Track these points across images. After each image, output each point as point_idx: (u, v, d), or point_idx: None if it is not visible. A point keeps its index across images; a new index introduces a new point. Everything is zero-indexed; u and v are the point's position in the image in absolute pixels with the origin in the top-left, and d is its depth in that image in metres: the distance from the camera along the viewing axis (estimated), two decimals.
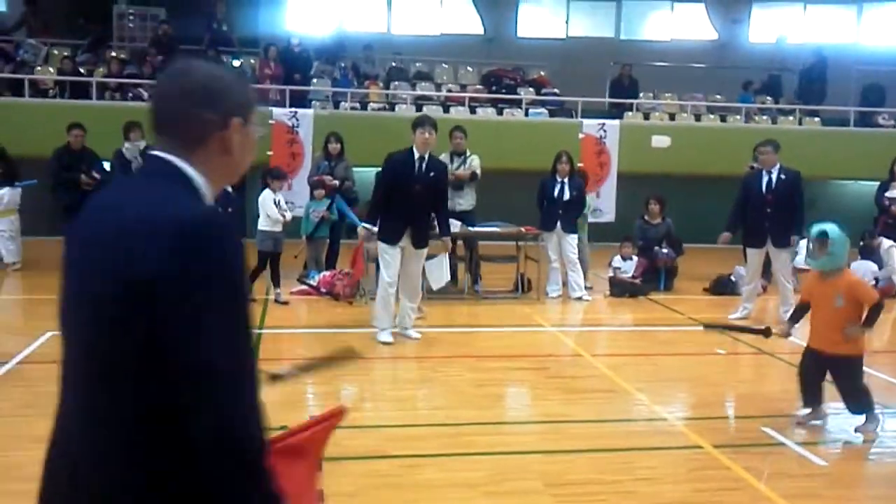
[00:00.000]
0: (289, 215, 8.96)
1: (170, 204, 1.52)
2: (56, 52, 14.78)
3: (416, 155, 7.12)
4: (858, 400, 5.20)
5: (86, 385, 1.58)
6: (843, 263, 5.21)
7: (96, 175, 10.11)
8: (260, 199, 8.86)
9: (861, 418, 5.26)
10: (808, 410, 5.38)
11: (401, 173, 7.15)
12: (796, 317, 5.59)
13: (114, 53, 14.83)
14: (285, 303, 8.90)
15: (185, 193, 1.60)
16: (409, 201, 7.10)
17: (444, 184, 7.53)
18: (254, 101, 1.76)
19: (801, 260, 9.12)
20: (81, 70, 13.93)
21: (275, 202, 8.80)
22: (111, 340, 1.48)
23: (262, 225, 8.82)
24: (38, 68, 13.90)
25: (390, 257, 7.14)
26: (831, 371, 5.27)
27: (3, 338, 7.42)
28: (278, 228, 8.83)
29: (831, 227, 5.12)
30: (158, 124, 1.68)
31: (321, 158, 10.38)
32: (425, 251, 7.41)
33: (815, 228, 5.23)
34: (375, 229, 7.28)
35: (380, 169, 7.55)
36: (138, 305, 1.43)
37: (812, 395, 5.35)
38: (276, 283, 8.96)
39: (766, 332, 5.50)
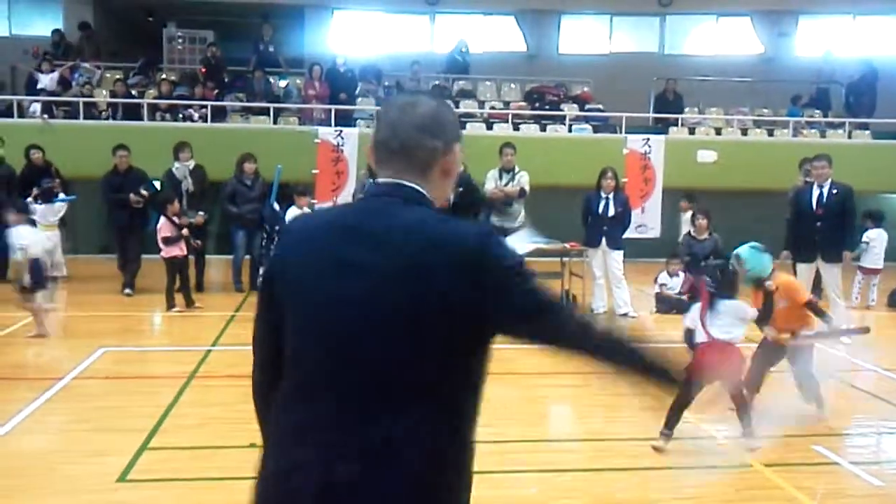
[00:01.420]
0: None
1: (459, 224, 1.78)
2: (108, 75, 15.18)
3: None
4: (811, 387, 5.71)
5: (382, 404, 1.71)
6: (768, 272, 5.60)
7: (144, 193, 10.31)
8: (287, 215, 9.03)
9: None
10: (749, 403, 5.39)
11: None
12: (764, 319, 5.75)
13: (164, 75, 15.18)
14: None
15: (440, 213, 1.83)
16: None
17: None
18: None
19: (870, 259, 10.46)
20: (133, 92, 14.29)
21: None
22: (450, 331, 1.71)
23: None
24: (93, 91, 14.28)
25: None
26: (789, 359, 5.71)
27: (57, 354, 7.59)
28: None
29: (741, 249, 5.66)
30: (393, 152, 1.83)
31: (366, 176, 10.47)
32: None
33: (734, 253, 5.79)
34: None
35: None
36: (474, 293, 1.69)
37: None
38: None
39: (866, 330, 5.83)
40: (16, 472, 4.48)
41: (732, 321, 5.11)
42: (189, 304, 9.34)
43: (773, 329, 5.65)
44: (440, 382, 1.72)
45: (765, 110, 16.32)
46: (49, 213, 10.64)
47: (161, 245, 9.32)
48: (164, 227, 9.32)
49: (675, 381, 1.87)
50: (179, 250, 9.37)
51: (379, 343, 1.69)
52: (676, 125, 15.17)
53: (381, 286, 1.69)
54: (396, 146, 1.82)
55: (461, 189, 9.98)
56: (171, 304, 9.30)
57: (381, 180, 1.85)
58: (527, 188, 9.99)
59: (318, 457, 1.70)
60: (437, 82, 16.15)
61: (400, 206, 1.79)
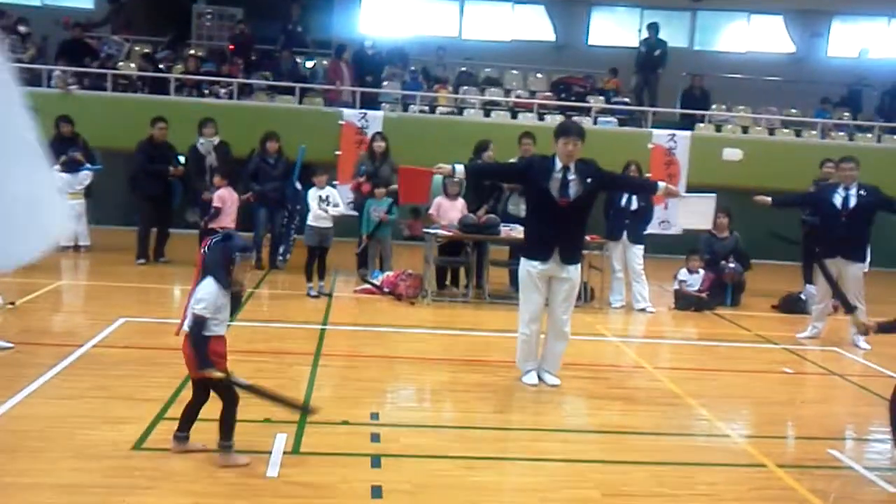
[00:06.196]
0: (336, 211, 9.05)
1: None
2: (137, 48, 15.25)
3: (559, 165, 6.06)
4: None
5: None
6: None
7: (180, 167, 10.53)
8: (309, 195, 9.08)
9: None
10: None
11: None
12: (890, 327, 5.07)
13: (192, 51, 15.23)
14: (328, 295, 9.15)
15: None
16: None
17: None
18: None
19: None
20: (161, 66, 14.34)
21: (320, 198, 8.97)
22: None
23: (309, 220, 9.03)
24: (121, 64, 14.35)
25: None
26: None
27: (77, 322, 7.69)
28: (324, 224, 9.00)
29: None
30: None
31: (366, 157, 10.43)
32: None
33: None
34: None
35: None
36: None
37: None
38: (321, 276, 9.19)
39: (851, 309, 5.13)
40: (35, 435, 4.53)
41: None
42: None
43: None
44: None
45: (793, 110, 16.16)
46: (74, 182, 10.84)
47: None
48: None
49: None
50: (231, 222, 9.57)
51: None
52: (703, 122, 15.06)
53: None
54: None
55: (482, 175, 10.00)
56: None
57: None
58: None
59: None
60: (463, 68, 16.11)
61: None
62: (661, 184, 6.51)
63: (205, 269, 4.27)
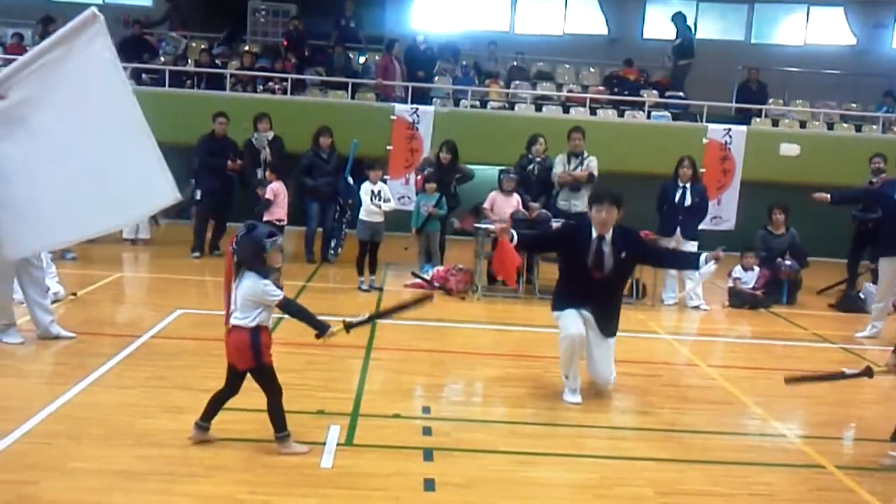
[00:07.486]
0: (387, 206, 9.08)
1: None
2: (194, 45, 15.52)
3: (595, 233, 5.72)
4: None
5: None
6: None
7: (239, 161, 10.69)
8: (361, 189, 9.14)
9: None
10: None
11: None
12: None
13: (247, 47, 15.45)
14: (378, 289, 9.17)
15: None
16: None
17: None
18: None
19: None
20: (217, 62, 14.57)
21: (372, 193, 9.02)
22: None
23: (361, 214, 9.08)
24: (177, 61, 14.60)
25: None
26: None
27: (137, 313, 7.88)
28: (376, 219, 9.05)
29: None
30: None
31: (434, 156, 10.43)
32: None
33: None
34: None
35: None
36: None
37: None
38: (372, 270, 9.22)
39: (868, 373, 5.11)
40: (97, 423, 4.67)
41: (245, 302, 4.32)
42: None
43: None
44: None
45: (853, 105, 15.75)
46: None
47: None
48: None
49: None
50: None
51: None
52: (759, 116, 14.77)
53: None
54: None
55: (536, 169, 9.97)
56: None
57: None
58: (595, 173, 9.89)
59: None
60: (514, 63, 16.04)
61: None
62: (702, 259, 6.09)
63: (239, 266, 4.32)
